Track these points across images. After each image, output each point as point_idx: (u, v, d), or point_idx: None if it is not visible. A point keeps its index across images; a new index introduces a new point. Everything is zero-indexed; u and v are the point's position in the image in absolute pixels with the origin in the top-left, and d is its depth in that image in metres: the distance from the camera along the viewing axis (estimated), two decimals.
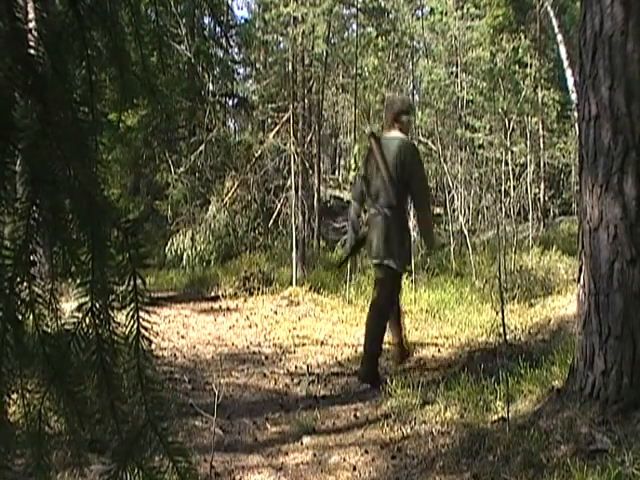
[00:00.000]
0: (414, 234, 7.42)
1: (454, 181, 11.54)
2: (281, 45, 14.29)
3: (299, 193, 9.87)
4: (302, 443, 3.37)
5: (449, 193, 11.71)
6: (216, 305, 7.83)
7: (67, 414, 1.10)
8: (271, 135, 11.45)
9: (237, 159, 11.95)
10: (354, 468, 3.02)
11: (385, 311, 4.29)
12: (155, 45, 1.50)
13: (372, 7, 12.67)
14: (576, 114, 6.51)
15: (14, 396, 1.10)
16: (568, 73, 10.26)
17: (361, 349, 4.56)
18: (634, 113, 2.65)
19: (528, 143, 11.68)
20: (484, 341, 5.10)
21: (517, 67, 11.93)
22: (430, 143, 12.58)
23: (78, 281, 1.05)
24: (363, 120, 15.09)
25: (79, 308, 1.05)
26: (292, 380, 4.56)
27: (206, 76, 12.02)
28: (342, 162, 22.77)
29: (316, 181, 11.96)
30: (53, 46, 1.08)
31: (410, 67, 14.75)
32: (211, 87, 11.99)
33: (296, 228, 9.10)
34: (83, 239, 1.05)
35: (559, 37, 10.65)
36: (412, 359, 4.93)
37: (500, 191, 11.43)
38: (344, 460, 3.11)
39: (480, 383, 3.59)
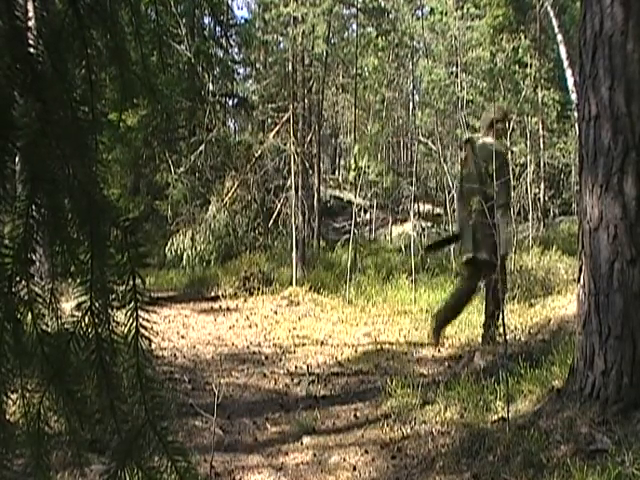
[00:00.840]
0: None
1: (454, 181, 11.53)
2: (281, 45, 14.31)
3: (299, 193, 9.87)
4: (302, 443, 3.37)
5: (449, 193, 11.70)
6: (216, 305, 7.83)
7: (67, 414, 1.10)
8: (271, 135, 11.45)
9: (237, 159, 11.94)
10: (354, 468, 3.02)
11: (466, 295, 4.72)
12: (155, 45, 1.50)
13: (372, 7, 12.68)
14: (576, 114, 6.52)
15: (14, 396, 1.10)
16: (568, 73, 10.27)
17: (361, 349, 4.59)
18: (634, 113, 2.65)
19: (528, 143, 11.68)
20: None
21: (517, 67, 11.94)
22: (430, 143, 12.58)
23: (77, 280, 1.05)
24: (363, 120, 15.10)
25: (78, 307, 1.05)
26: (292, 380, 4.55)
27: (206, 76, 12.02)
28: (342, 162, 22.78)
29: (316, 181, 11.97)
30: (53, 45, 1.08)
31: (410, 67, 14.76)
32: (211, 87, 11.99)
33: (296, 228, 9.10)
34: (82, 238, 1.05)
35: (559, 37, 10.65)
36: (412, 359, 4.93)
37: None
38: (344, 460, 3.11)
39: (480, 383, 3.58)
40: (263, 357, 5.24)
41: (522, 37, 11.95)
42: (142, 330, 1.04)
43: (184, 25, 11.18)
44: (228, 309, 7.59)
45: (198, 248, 10.15)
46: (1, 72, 0.99)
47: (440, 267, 9.41)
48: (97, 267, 1.04)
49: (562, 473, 2.35)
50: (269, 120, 12.87)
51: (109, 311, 1.06)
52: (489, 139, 4.56)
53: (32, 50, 1.04)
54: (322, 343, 5.61)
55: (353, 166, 8.90)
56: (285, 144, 10.64)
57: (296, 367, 4.90)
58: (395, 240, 14.43)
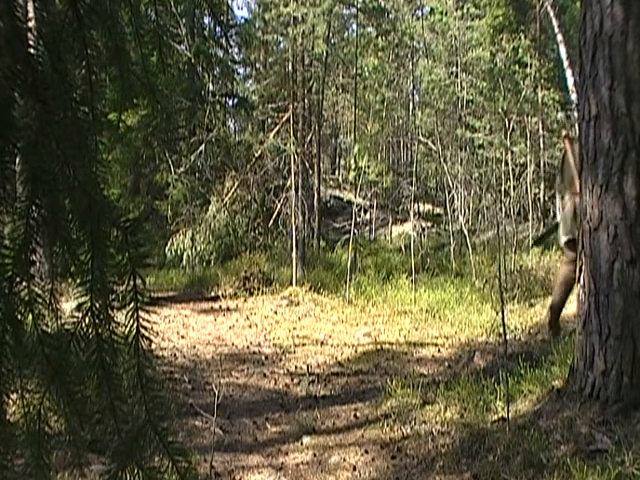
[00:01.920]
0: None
1: (454, 181, 11.54)
2: (281, 45, 14.31)
3: (299, 193, 9.87)
4: (302, 443, 3.37)
5: (449, 193, 11.71)
6: (216, 305, 7.83)
7: (67, 414, 1.10)
8: (271, 135, 11.45)
9: (237, 159, 11.94)
10: (354, 468, 3.02)
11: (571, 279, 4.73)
12: (155, 45, 1.49)
13: (372, 7, 12.68)
14: (576, 114, 6.54)
15: (14, 396, 1.10)
16: (568, 73, 10.25)
17: (361, 349, 4.62)
18: (634, 113, 2.65)
19: (528, 143, 11.68)
20: (484, 341, 5.10)
21: (517, 67, 11.92)
22: (430, 143, 12.58)
23: (78, 281, 1.05)
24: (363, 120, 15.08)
25: (79, 308, 1.04)
26: (292, 380, 4.55)
27: (206, 76, 12.02)
28: (342, 162, 22.77)
29: (316, 181, 11.97)
30: (53, 45, 1.08)
31: (410, 67, 14.77)
32: (211, 87, 11.99)
33: (296, 228, 9.10)
34: (83, 238, 1.05)
35: (559, 37, 10.63)
36: (412, 359, 4.94)
37: (500, 191, 11.44)
38: (344, 460, 3.11)
39: (480, 383, 3.59)
40: (263, 357, 5.24)
41: (522, 37, 11.94)
42: (142, 330, 1.04)
43: (184, 25, 11.19)
44: (228, 309, 7.59)
45: (198, 248, 10.14)
46: (1, 73, 0.99)
47: (440, 267, 9.42)
48: (97, 267, 1.03)
49: (562, 473, 2.35)
50: (269, 120, 12.87)
51: (109, 311, 1.05)
52: None
53: (32, 51, 1.04)
54: (322, 343, 5.61)
55: (353, 166, 8.90)
56: (285, 144, 10.64)
57: (296, 367, 4.90)
58: (395, 240, 14.44)
